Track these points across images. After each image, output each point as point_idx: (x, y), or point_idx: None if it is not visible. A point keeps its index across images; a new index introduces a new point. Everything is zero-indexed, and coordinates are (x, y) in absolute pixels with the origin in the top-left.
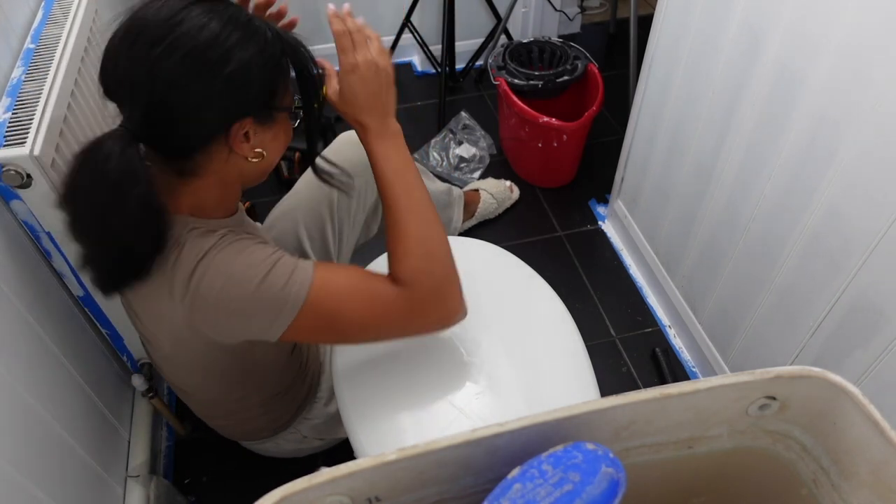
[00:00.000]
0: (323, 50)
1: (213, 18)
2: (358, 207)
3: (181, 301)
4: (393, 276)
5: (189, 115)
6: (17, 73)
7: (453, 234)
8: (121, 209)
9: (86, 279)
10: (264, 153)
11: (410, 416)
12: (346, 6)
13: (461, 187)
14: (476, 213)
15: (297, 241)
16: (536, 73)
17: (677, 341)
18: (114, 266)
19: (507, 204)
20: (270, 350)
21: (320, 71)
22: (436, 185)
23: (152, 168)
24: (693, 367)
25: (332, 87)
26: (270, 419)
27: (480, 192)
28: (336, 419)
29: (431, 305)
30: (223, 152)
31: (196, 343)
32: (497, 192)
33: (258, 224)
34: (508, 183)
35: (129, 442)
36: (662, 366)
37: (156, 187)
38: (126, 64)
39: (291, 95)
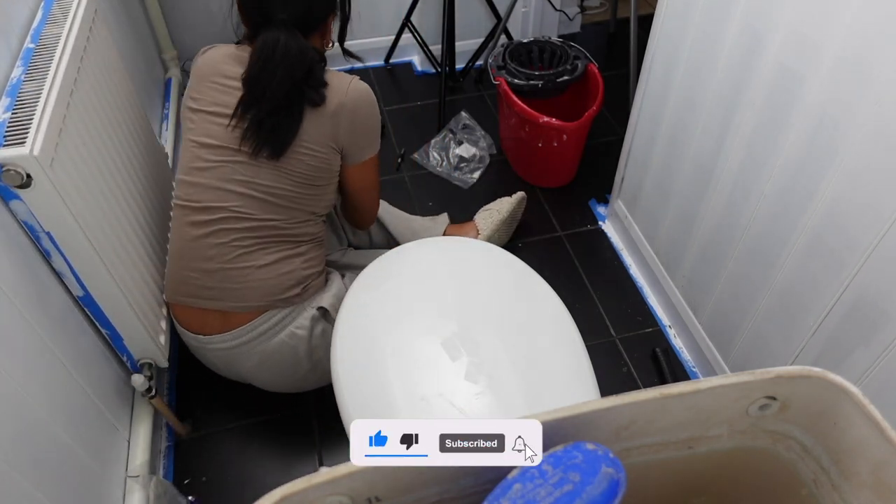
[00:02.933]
0: None
1: None
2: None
3: (339, 111)
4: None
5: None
6: (17, 72)
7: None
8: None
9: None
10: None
11: (410, 416)
12: None
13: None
14: (481, 230)
15: None
16: (536, 73)
17: (677, 341)
18: (294, 106)
19: (507, 206)
20: (333, 193)
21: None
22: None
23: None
24: (693, 367)
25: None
26: (309, 264)
27: (475, 219)
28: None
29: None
30: (317, 41)
31: (334, 158)
32: (491, 205)
33: None
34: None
35: (128, 442)
36: (662, 366)
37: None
38: None
39: None
